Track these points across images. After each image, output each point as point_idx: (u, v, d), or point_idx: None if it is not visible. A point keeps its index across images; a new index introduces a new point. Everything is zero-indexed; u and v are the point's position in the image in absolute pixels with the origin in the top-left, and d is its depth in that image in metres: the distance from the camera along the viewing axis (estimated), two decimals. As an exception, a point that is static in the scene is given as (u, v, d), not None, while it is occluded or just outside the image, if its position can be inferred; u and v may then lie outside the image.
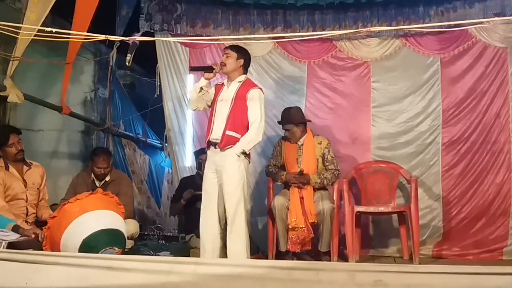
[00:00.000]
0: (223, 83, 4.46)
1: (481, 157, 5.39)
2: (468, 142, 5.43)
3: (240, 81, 4.37)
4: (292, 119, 4.97)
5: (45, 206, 4.51)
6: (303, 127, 5.01)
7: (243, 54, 4.42)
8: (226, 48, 4.49)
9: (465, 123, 5.46)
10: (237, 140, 4.22)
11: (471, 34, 5.49)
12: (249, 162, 4.37)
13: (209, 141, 4.35)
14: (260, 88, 4.42)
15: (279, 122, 5.10)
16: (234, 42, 5.65)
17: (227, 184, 4.21)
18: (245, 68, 4.45)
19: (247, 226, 4.28)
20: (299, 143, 5.00)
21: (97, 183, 4.94)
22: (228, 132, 4.23)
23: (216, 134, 4.28)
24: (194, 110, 4.70)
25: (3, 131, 4.40)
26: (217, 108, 4.35)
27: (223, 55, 4.46)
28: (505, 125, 5.37)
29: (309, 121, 5.17)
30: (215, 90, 4.46)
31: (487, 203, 5.30)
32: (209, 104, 4.46)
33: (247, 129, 4.26)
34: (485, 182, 5.35)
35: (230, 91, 4.34)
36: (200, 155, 5.30)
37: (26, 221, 4.28)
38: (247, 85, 4.35)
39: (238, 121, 4.26)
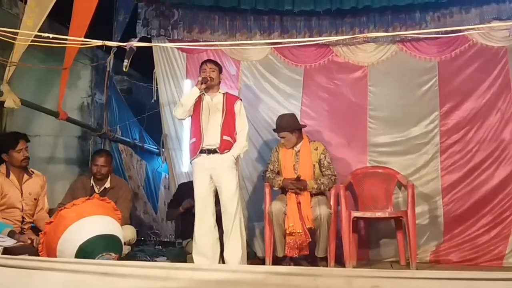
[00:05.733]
0: (202, 93, 4.65)
1: (482, 158, 5.37)
2: (467, 144, 5.42)
3: (223, 93, 4.72)
4: (286, 126, 4.98)
5: (45, 217, 4.47)
6: (299, 133, 5.02)
7: (221, 69, 4.80)
8: (208, 62, 4.77)
9: (464, 125, 5.45)
10: (232, 144, 4.55)
11: (468, 37, 5.50)
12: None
13: (202, 148, 4.53)
14: (241, 99, 4.84)
15: (274, 130, 5.11)
16: (231, 48, 5.69)
17: (227, 188, 4.47)
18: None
19: (244, 230, 4.55)
20: (296, 149, 5.01)
21: (96, 189, 4.87)
22: (225, 137, 4.53)
23: (209, 141, 4.52)
24: (182, 119, 4.87)
25: (14, 136, 4.47)
26: (204, 118, 4.58)
27: (202, 69, 4.68)
28: (507, 125, 5.35)
29: (304, 126, 5.18)
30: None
31: (487, 208, 5.26)
32: (191, 113, 4.66)
33: (234, 135, 4.60)
34: (486, 186, 5.32)
35: (216, 102, 4.64)
36: None
37: (22, 228, 4.28)
38: (231, 97, 4.77)
39: (230, 127, 4.60)
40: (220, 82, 4.75)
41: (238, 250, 4.42)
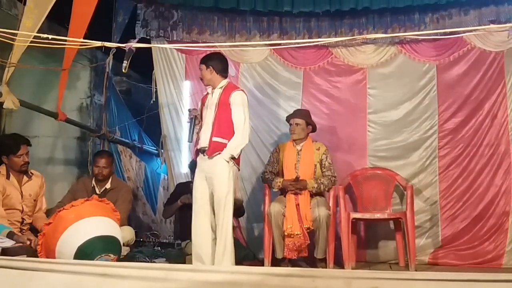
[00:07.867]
0: (207, 92, 4.53)
1: (479, 162, 5.38)
2: (465, 147, 5.43)
3: (221, 87, 4.37)
4: (304, 115, 5.09)
5: (43, 217, 4.48)
6: (309, 130, 5.07)
7: (211, 60, 4.40)
8: (200, 64, 4.50)
9: (462, 129, 5.46)
10: (224, 145, 4.22)
11: (466, 40, 5.51)
12: (239, 170, 4.41)
13: (197, 149, 4.40)
14: (242, 90, 4.47)
15: (288, 117, 5.13)
16: (230, 49, 5.68)
17: (218, 191, 4.23)
18: (221, 71, 4.41)
19: (233, 232, 4.30)
20: (298, 148, 5.02)
21: (97, 190, 4.91)
22: (214, 139, 4.25)
23: (203, 142, 4.31)
24: None
25: (15, 140, 4.44)
26: (203, 116, 4.41)
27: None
28: (504, 128, 5.36)
29: (315, 129, 5.16)
30: (201, 102, 4.56)
31: (485, 210, 5.28)
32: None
33: (234, 132, 4.26)
34: (484, 188, 5.33)
35: (213, 98, 4.36)
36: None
37: (21, 229, 4.29)
38: (229, 89, 4.36)
39: (224, 126, 4.27)
40: (217, 73, 4.36)
41: (225, 250, 4.17)
